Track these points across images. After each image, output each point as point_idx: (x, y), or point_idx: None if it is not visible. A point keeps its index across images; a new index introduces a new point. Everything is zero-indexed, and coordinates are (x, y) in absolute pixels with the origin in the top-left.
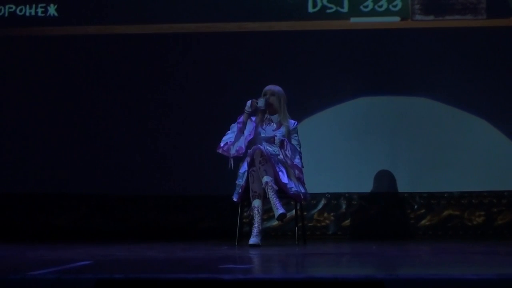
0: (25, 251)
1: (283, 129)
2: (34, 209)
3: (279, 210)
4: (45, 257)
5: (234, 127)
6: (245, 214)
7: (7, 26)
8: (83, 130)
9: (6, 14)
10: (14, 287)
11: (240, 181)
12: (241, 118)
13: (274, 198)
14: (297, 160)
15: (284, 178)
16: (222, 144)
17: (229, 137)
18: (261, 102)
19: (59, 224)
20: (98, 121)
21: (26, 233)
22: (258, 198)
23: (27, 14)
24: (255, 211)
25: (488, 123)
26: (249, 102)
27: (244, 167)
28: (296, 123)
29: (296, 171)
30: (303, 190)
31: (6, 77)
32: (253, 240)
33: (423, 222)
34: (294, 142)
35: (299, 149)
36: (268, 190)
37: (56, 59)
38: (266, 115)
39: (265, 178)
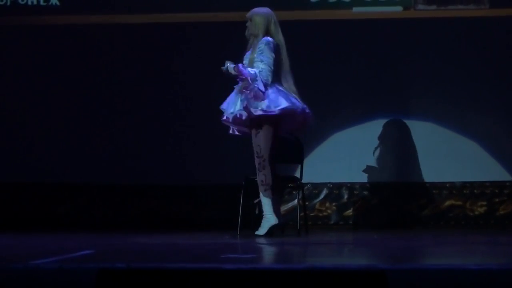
0: (27, 241)
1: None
2: (36, 199)
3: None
4: (47, 247)
5: None
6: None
7: (9, 15)
8: (84, 119)
9: (8, 3)
10: (16, 276)
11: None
12: None
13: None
14: (255, 84)
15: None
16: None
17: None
18: (225, 67)
19: (61, 214)
20: (100, 110)
21: (28, 223)
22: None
23: (29, 3)
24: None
25: (491, 113)
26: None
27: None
28: (266, 39)
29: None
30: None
31: (8, 66)
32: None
33: (425, 212)
34: (257, 61)
35: (261, 66)
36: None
37: (57, 48)
38: (249, 44)
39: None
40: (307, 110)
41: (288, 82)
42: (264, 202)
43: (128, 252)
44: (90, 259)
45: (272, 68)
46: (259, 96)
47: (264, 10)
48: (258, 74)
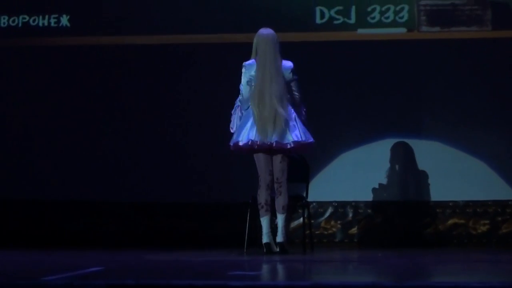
0: (39, 257)
1: None
2: (47, 216)
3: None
4: (58, 263)
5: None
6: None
7: (20, 36)
8: (95, 138)
9: (20, 25)
10: None
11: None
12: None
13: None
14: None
15: None
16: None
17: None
18: None
19: (71, 231)
20: (110, 129)
21: (40, 240)
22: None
23: (40, 24)
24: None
25: (493, 132)
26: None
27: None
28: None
29: None
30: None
31: (19, 86)
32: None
33: (428, 230)
34: None
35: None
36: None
37: (67, 68)
38: None
39: None
40: (266, 141)
41: (264, 107)
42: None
43: (136, 268)
44: (99, 276)
45: (242, 92)
46: None
47: (258, 31)
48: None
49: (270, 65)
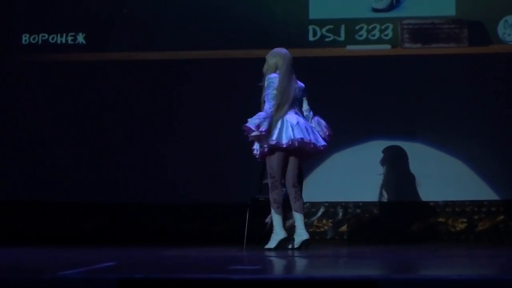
0: (57, 254)
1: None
2: (64, 216)
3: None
4: (74, 259)
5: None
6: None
7: (39, 53)
8: (107, 145)
9: (40, 42)
10: (47, 285)
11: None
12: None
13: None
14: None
15: None
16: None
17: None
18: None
19: (87, 230)
20: (120, 136)
21: (58, 238)
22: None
23: (58, 42)
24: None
25: (470, 137)
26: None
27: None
28: (268, 76)
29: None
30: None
31: (39, 97)
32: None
33: (411, 228)
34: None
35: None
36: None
37: (82, 81)
38: None
39: None
40: (307, 140)
41: (286, 112)
42: (274, 219)
43: (146, 264)
44: (112, 270)
45: (272, 102)
46: (261, 138)
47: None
48: (258, 118)
49: (291, 79)
